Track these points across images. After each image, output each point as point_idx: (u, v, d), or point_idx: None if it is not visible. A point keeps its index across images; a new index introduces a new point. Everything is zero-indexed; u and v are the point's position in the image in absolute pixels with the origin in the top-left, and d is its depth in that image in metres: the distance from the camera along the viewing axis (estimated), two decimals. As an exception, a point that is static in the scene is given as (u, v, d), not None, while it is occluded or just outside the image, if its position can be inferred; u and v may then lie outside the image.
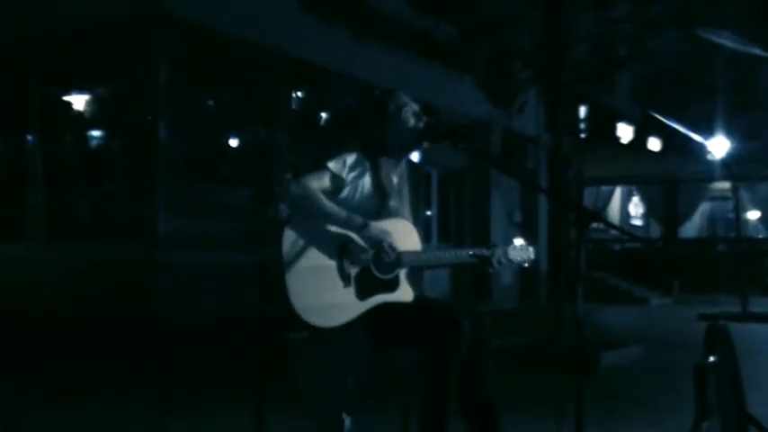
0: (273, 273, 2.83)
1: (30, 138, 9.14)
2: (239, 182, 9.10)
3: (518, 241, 3.12)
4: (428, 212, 12.34)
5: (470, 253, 3.02)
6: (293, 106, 9.84)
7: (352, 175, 2.98)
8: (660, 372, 6.48)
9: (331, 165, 2.97)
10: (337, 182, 2.96)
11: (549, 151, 7.68)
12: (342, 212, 2.87)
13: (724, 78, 15.87)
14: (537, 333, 7.74)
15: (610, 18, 7.40)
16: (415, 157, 3.25)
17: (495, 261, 3.01)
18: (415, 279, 3.02)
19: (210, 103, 9.38)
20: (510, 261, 3.05)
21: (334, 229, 2.88)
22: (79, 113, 8.85)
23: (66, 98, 8.88)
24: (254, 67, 8.95)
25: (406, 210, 3.14)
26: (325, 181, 2.94)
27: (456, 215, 13.13)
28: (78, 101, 8.83)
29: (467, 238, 12.74)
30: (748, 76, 17.06)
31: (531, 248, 3.10)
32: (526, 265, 3.14)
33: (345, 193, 2.98)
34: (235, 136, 9.44)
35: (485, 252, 3.02)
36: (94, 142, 9.14)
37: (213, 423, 4.33)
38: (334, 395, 2.95)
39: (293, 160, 9.08)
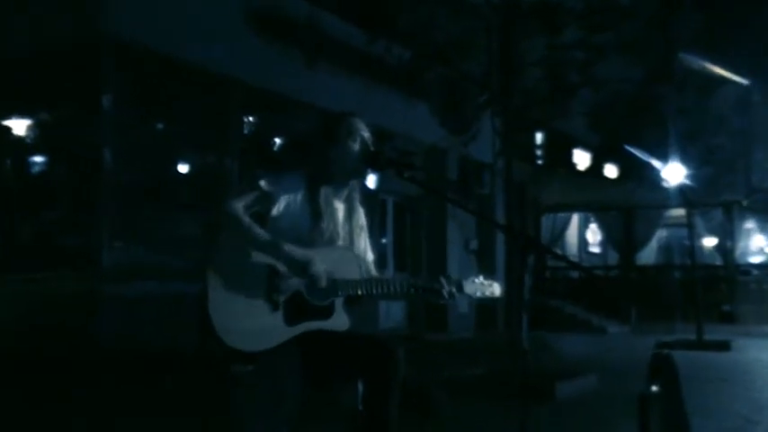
0: (200, 300, 2.79)
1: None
2: (189, 210, 9.01)
3: (476, 280, 3.09)
4: (383, 240, 12.34)
5: (415, 287, 2.99)
6: (245, 131, 9.80)
7: (285, 193, 2.96)
8: (615, 402, 6.49)
9: (263, 182, 2.94)
10: (267, 199, 2.93)
11: (504, 178, 7.73)
12: (265, 235, 2.83)
13: (676, 104, 16.24)
14: (493, 363, 7.73)
15: (560, 44, 7.53)
16: (370, 183, 3.24)
17: (445, 293, 3.00)
18: (357, 308, 3.00)
19: (159, 128, 9.30)
20: (466, 295, 3.04)
21: (263, 252, 2.85)
22: (20, 139, 8.69)
23: (5, 123, 8.72)
24: (204, 92, 8.91)
25: (359, 239, 3.11)
26: (253, 199, 2.91)
27: (412, 243, 13.15)
28: (19, 126, 8.68)
29: (423, 267, 12.75)
30: (701, 101, 17.50)
31: (495, 284, 3.10)
32: (481, 299, 3.12)
33: (276, 210, 2.94)
34: (184, 162, 9.36)
35: (434, 285, 3.00)
36: (36, 169, 8.99)
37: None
38: (269, 427, 2.89)
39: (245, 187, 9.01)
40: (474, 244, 13.91)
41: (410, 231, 13.12)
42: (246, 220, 2.84)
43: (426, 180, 11.24)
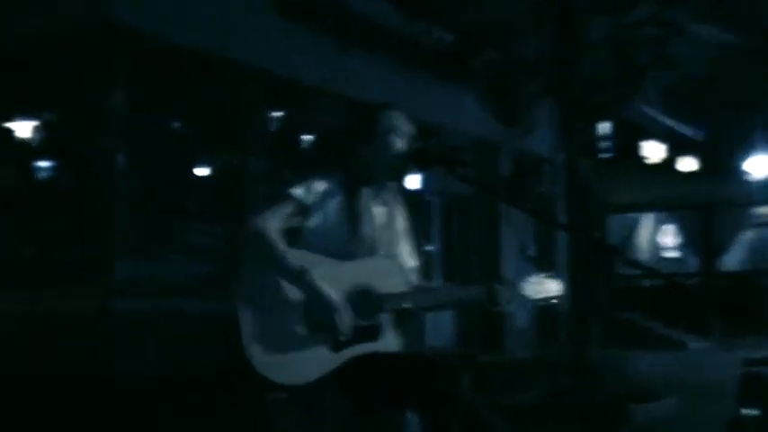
0: (230, 323, 2.81)
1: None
2: (208, 218, 9.10)
3: (535, 280, 3.10)
4: (429, 247, 12.33)
5: (473, 291, 2.99)
6: (269, 128, 9.86)
7: (319, 200, 2.97)
8: (699, 428, 6.42)
9: (295, 192, 2.95)
10: (301, 211, 2.95)
11: (565, 175, 7.68)
12: (296, 266, 2.81)
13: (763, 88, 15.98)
14: (556, 384, 7.68)
15: (628, 21, 7.46)
16: (413, 183, 3.25)
17: (502, 299, 2.99)
18: (406, 324, 3.00)
19: (174, 127, 9.40)
20: (524, 298, 3.04)
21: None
22: (21, 141, 8.85)
23: (5, 125, 8.88)
24: (224, 86, 8.98)
25: (400, 245, 3.13)
26: (287, 211, 2.93)
27: (461, 250, 13.11)
28: (20, 127, 8.83)
29: (474, 276, 12.71)
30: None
31: (552, 282, 3.09)
32: (545, 301, 3.12)
33: (311, 222, 2.96)
34: (203, 165, 9.45)
35: (489, 290, 3.01)
36: (39, 174, 9.13)
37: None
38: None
39: (270, 191, 9.07)
40: (531, 249, 13.83)
41: (459, 236, 13.09)
42: (278, 247, 2.85)
43: (477, 178, 11.20)
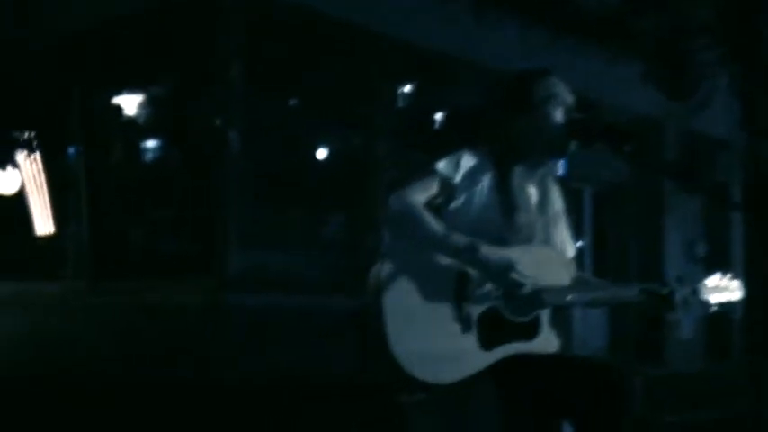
0: (372, 316, 2.83)
1: (70, 153, 9.52)
2: (330, 205, 9.24)
3: (713, 280, 3.05)
4: (579, 242, 12.19)
5: (641, 289, 2.96)
6: (398, 103, 9.90)
7: (468, 180, 2.97)
8: None
9: (440, 166, 2.97)
10: (447, 189, 2.95)
11: (746, 159, 7.46)
12: (449, 235, 2.82)
13: None
14: (731, 403, 7.50)
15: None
16: (558, 168, 3.22)
17: (679, 301, 2.95)
18: (562, 322, 3.00)
19: (294, 103, 9.56)
20: (704, 304, 2.98)
21: (451, 257, 2.85)
22: (130, 120, 9.14)
23: (114, 101, 9.19)
24: (349, 56, 9.07)
25: (556, 231, 3.12)
26: (433, 189, 2.94)
27: (616, 246, 12.90)
28: (129, 104, 9.12)
29: (631, 277, 12.48)
30: None
31: (734, 283, 3.06)
32: (717, 308, 3.06)
33: (458, 203, 2.96)
34: (324, 145, 9.56)
35: (663, 289, 2.97)
36: (149, 156, 9.44)
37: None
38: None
39: (398, 175, 9.13)
40: (702, 248, 13.48)
41: (614, 231, 12.88)
42: (427, 215, 2.87)
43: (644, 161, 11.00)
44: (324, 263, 8.65)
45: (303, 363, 7.37)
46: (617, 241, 12.91)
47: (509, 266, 2.81)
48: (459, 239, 2.81)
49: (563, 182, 3.24)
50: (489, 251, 2.81)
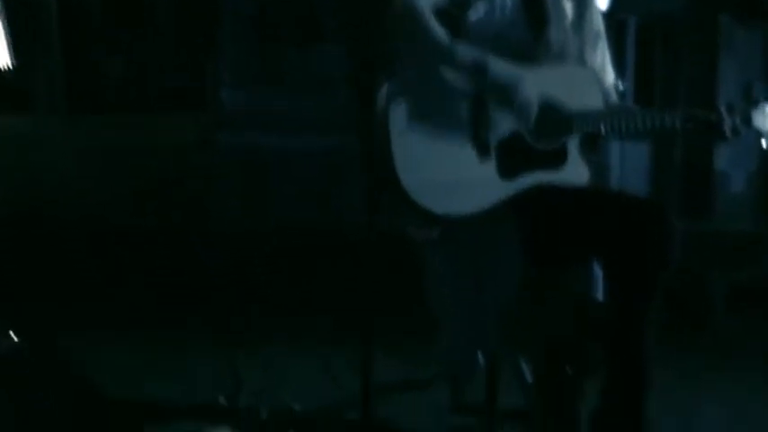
0: (377, 144, 2.85)
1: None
2: (335, 37, 9.16)
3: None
4: (620, 83, 12.10)
5: (687, 115, 2.94)
6: None
7: None
8: None
9: None
10: None
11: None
12: (456, 47, 2.81)
13: None
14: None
15: None
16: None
17: (727, 129, 2.94)
18: (596, 152, 3.03)
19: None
20: (756, 131, 2.98)
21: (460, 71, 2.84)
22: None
23: None
24: None
25: (594, 54, 3.15)
26: None
27: (664, 85, 12.80)
28: None
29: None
30: None
31: None
32: None
33: (477, 12, 2.95)
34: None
35: (711, 116, 2.95)
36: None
37: (296, 361, 4.63)
38: (465, 322, 3.03)
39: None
40: (760, 89, 13.40)
41: (661, 68, 12.77)
42: (433, 21, 2.86)
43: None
44: (326, 102, 8.64)
45: (308, 208, 7.47)
46: (664, 80, 12.81)
47: (516, 83, 2.82)
48: (467, 52, 2.83)
49: (604, 14, 3.21)
50: (500, 67, 2.83)
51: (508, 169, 2.87)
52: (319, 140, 7.82)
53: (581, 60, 3.09)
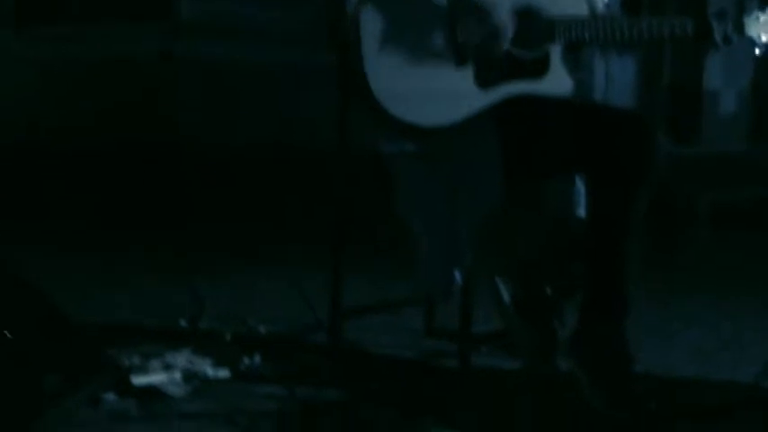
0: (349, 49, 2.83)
1: None
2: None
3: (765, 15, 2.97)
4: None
5: (675, 23, 2.90)
6: None
7: None
8: None
9: None
10: None
11: None
12: None
13: None
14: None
15: None
16: None
17: (718, 37, 2.91)
18: (580, 63, 3.05)
19: None
20: (749, 39, 2.95)
21: None
22: None
23: None
24: None
25: None
26: None
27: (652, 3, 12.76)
28: None
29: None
30: None
31: None
32: None
33: None
34: None
35: (701, 23, 2.91)
36: None
37: (264, 285, 4.65)
38: (442, 239, 3.02)
39: None
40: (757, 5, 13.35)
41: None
42: None
43: None
44: (298, 15, 8.55)
45: (275, 123, 7.46)
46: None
47: (488, 13, 2.79)
48: None
49: None
50: None
51: (486, 78, 2.87)
52: (285, 52, 7.77)
53: None
